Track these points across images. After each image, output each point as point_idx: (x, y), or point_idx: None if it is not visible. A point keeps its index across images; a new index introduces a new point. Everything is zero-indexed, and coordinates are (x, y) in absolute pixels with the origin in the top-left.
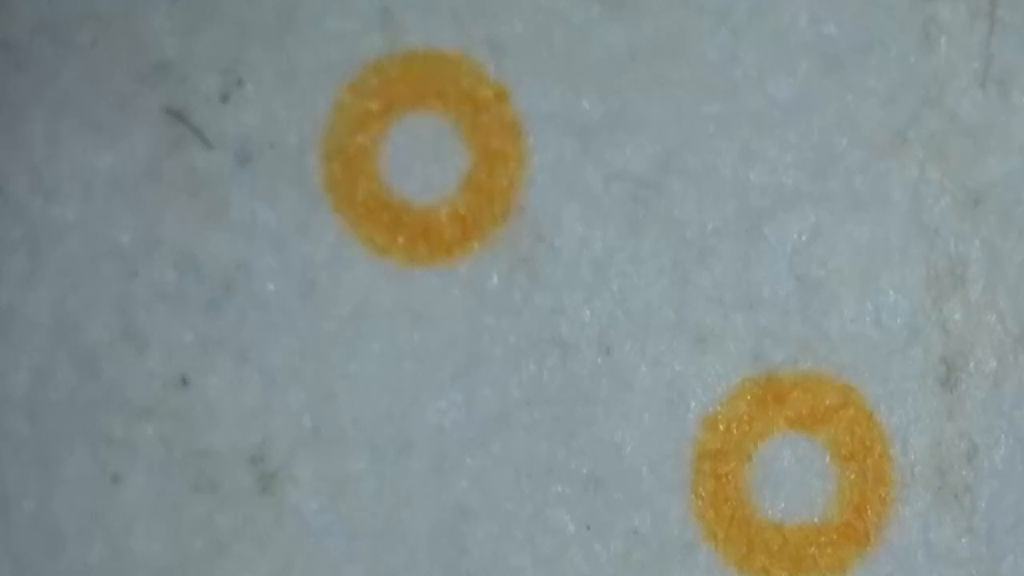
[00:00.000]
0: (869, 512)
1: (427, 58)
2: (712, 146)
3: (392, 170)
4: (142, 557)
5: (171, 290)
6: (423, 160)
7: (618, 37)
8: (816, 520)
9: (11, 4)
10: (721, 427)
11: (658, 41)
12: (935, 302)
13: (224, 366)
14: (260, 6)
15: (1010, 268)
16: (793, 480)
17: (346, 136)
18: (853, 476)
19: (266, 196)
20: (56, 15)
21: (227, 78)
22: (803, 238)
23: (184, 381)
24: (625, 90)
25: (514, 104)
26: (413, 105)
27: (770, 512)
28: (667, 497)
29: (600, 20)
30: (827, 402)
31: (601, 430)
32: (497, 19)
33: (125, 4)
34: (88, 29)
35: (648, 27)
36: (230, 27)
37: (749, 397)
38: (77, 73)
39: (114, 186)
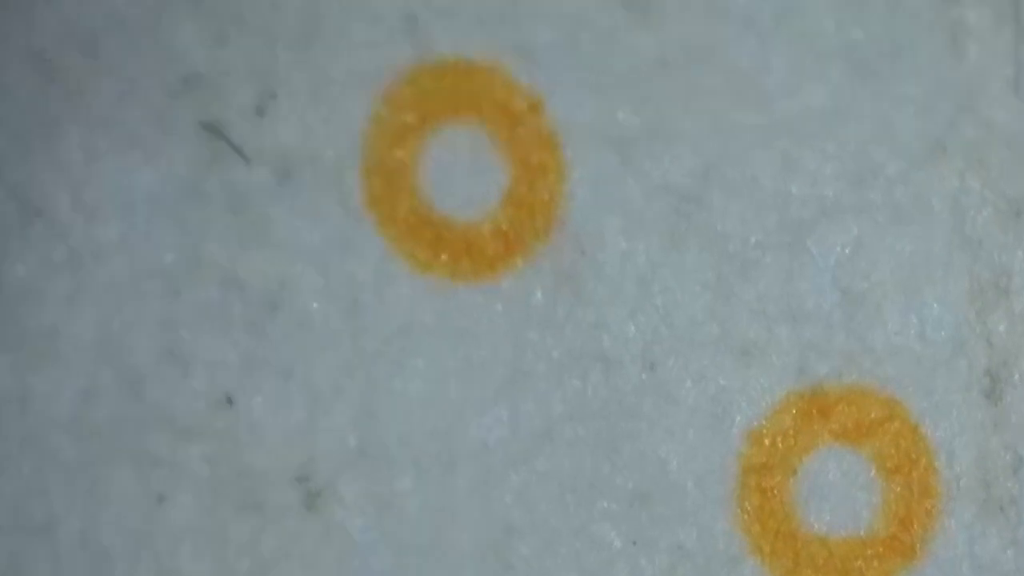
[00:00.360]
0: (915, 525)
1: (458, 67)
2: (751, 157)
3: (432, 185)
4: None
5: (215, 309)
6: (463, 174)
7: (646, 43)
8: (862, 533)
9: (40, 17)
10: (766, 441)
11: (687, 48)
12: (979, 314)
13: (269, 385)
14: (285, 14)
15: None
16: (838, 493)
17: (385, 150)
18: (898, 489)
19: (307, 213)
20: (84, 27)
21: (261, 90)
22: (846, 250)
23: (229, 400)
24: (658, 100)
25: (548, 115)
26: (449, 116)
27: (816, 526)
28: (712, 511)
29: (627, 26)
30: (872, 415)
31: (646, 445)
32: (524, 26)
33: (152, 14)
34: (117, 41)
35: (675, 33)
36: (257, 37)
37: (794, 411)
38: (110, 87)
39: (155, 204)
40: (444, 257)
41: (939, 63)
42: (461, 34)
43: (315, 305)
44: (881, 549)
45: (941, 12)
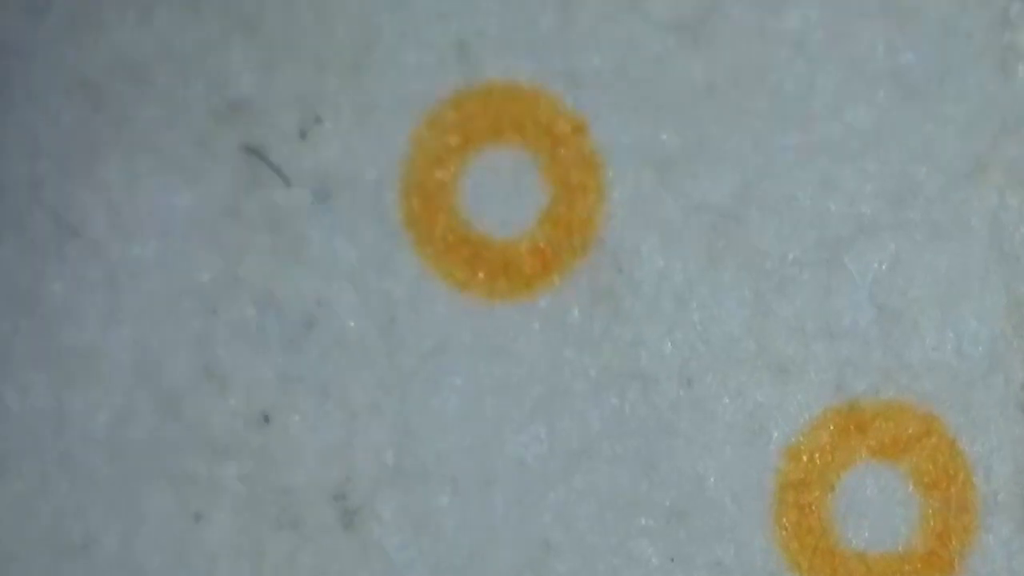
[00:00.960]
0: (952, 540)
1: (504, 91)
2: (791, 176)
3: (471, 205)
4: None
5: (251, 328)
6: (502, 194)
7: (695, 69)
8: (900, 549)
9: (89, 45)
10: (804, 457)
11: (735, 72)
12: (1016, 329)
13: (305, 403)
14: (337, 42)
15: None
16: (876, 509)
17: (425, 171)
18: (936, 504)
19: (345, 233)
20: (134, 55)
21: (305, 115)
22: (883, 267)
23: (265, 419)
24: (703, 122)
25: (592, 137)
26: (491, 139)
27: (853, 542)
28: (750, 528)
29: (677, 52)
30: (909, 431)
31: (683, 462)
32: (574, 52)
33: (202, 43)
34: (165, 68)
35: (725, 58)
36: (307, 64)
37: (831, 427)
38: (155, 112)
39: (193, 224)
40: (481, 275)
41: (986, 85)
42: (510, 60)
43: (352, 323)
44: (919, 565)
45: (994, 36)
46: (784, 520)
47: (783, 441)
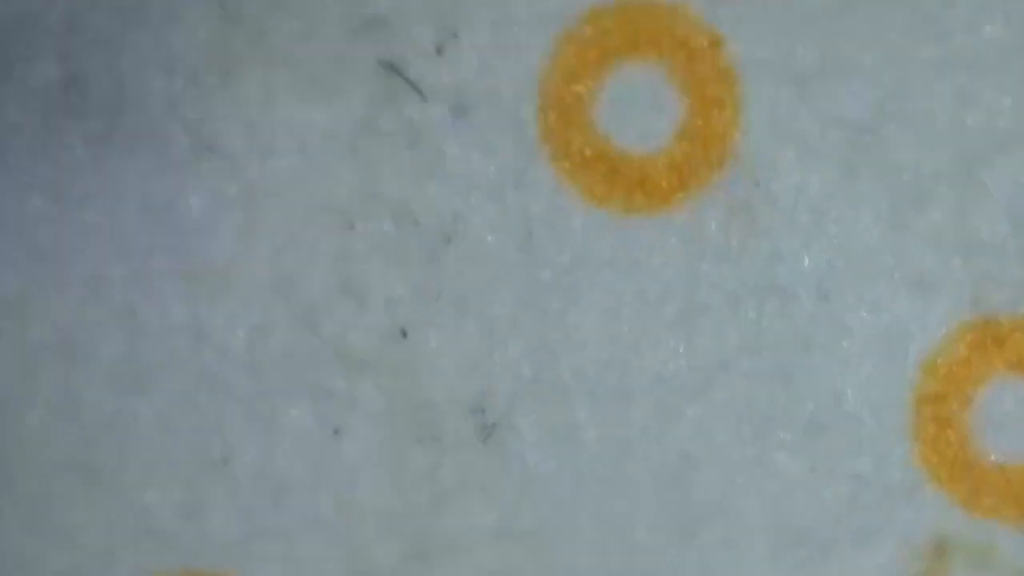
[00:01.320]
0: None
1: (641, 6)
2: (928, 90)
3: (608, 120)
4: (368, 508)
5: (389, 243)
6: (639, 109)
7: None
8: None
9: None
10: (941, 371)
11: None
12: None
13: (443, 318)
14: None
15: None
16: (1014, 422)
17: (562, 86)
18: None
19: (482, 148)
20: None
21: (441, 30)
22: (1020, 181)
23: (403, 333)
24: (838, 35)
25: (729, 51)
26: (628, 54)
27: (992, 455)
28: (888, 441)
29: None
30: None
31: (821, 376)
32: None
33: None
34: None
35: None
36: None
37: (968, 340)
38: (292, 28)
39: (330, 140)
40: (618, 190)
41: None
42: None
43: (489, 238)
44: None
45: None
46: (922, 433)
47: (920, 355)
